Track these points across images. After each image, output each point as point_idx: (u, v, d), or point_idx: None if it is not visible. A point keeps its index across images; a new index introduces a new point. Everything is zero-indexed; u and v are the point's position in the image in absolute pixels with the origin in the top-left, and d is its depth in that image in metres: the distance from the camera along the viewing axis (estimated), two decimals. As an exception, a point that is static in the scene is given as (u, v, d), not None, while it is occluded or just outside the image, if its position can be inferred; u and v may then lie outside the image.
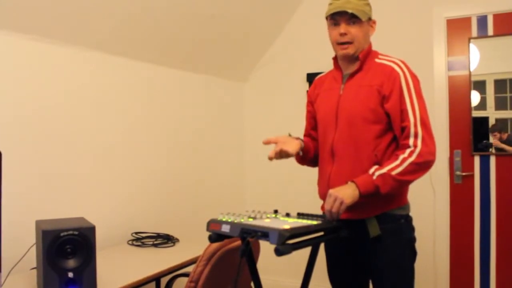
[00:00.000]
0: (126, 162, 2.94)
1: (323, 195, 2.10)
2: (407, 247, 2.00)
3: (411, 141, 1.88)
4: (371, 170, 1.85)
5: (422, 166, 1.87)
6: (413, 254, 2.03)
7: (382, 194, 1.83)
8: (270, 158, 1.96)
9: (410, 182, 1.91)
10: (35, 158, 2.38)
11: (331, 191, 1.81)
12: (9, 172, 2.17)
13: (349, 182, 1.84)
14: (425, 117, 1.92)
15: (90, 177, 2.69)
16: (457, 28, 3.46)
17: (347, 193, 1.79)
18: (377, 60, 2.04)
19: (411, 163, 1.84)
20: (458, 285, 3.46)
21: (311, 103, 2.26)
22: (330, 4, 2.02)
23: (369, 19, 2.04)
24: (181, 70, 3.44)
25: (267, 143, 2.01)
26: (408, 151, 1.87)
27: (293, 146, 2.01)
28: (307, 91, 2.29)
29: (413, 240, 2.03)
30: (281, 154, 1.97)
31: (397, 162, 1.85)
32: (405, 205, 2.02)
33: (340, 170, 1.99)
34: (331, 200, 1.79)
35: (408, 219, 2.02)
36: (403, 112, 1.92)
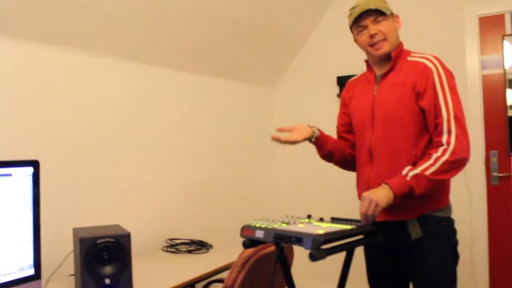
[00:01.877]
0: (159, 170, 2.97)
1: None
2: (449, 250, 1.95)
3: (444, 138, 1.84)
4: (405, 171, 1.82)
5: (456, 164, 1.83)
6: (455, 257, 1.98)
7: (417, 195, 1.80)
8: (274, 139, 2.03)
9: (444, 181, 1.88)
10: (72, 166, 2.43)
11: (365, 194, 1.79)
12: (47, 181, 2.22)
13: (383, 184, 1.81)
14: (459, 113, 1.87)
15: (125, 186, 2.73)
16: (490, 26, 3.39)
17: (381, 195, 1.77)
18: (409, 58, 2.01)
19: (445, 162, 1.80)
20: (498, 289, 3.37)
21: (344, 105, 2.24)
22: (350, 14, 2.03)
23: (392, 14, 2.02)
24: (210, 77, 3.46)
25: (280, 131, 2.06)
26: (441, 149, 1.83)
27: (299, 135, 2.05)
28: (339, 94, 2.28)
29: (455, 243, 1.98)
30: (285, 143, 2.03)
31: (431, 161, 1.81)
32: (447, 207, 1.98)
33: (379, 171, 1.97)
34: (366, 203, 1.77)
35: (450, 221, 1.98)
36: (436, 108, 1.88)
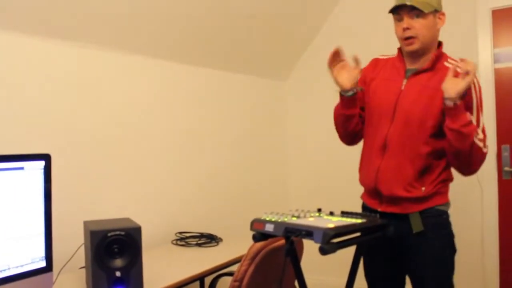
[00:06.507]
0: (169, 164, 2.98)
1: (365, 184, 2.10)
2: (448, 242, 1.99)
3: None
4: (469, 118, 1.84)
5: (480, 160, 1.89)
6: (453, 249, 2.02)
7: (455, 111, 1.79)
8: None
9: (462, 150, 1.85)
10: (83, 160, 2.44)
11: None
12: (58, 174, 2.23)
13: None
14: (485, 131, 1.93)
15: (135, 179, 2.74)
16: (504, 19, 3.34)
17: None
18: (446, 64, 1.95)
19: (481, 150, 1.86)
20: (508, 284, 3.34)
21: (364, 82, 2.14)
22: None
23: (436, 11, 1.94)
24: (221, 71, 3.46)
25: (336, 53, 2.02)
26: (484, 143, 1.88)
27: (344, 78, 2.00)
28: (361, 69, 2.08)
29: (452, 235, 2.02)
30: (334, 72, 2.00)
31: (479, 136, 1.85)
32: (447, 203, 2.02)
33: (390, 164, 1.98)
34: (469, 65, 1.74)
35: (448, 215, 2.02)
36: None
